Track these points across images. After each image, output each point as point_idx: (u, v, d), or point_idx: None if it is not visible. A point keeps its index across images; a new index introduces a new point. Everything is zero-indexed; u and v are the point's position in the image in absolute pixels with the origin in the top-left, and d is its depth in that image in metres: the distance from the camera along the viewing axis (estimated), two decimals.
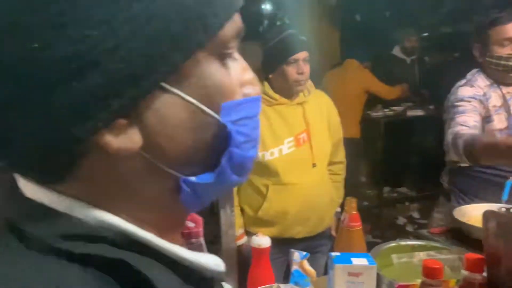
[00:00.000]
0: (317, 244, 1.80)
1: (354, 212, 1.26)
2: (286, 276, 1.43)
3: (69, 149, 0.35)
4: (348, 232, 1.23)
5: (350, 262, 1.06)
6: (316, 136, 1.75)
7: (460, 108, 1.74)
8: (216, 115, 0.39)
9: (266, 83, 1.74)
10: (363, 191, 5.03)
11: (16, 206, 0.37)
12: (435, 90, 4.89)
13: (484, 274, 0.86)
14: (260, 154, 1.65)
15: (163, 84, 0.36)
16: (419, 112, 4.82)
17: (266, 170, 1.68)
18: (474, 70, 1.88)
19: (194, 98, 0.38)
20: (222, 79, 0.40)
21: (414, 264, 1.07)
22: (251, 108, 0.43)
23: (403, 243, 1.27)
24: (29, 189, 0.37)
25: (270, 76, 1.74)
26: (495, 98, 1.80)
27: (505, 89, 1.81)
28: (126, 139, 0.36)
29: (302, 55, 1.68)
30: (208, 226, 1.13)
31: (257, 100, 0.44)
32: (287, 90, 1.73)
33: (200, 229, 1.01)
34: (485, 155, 1.45)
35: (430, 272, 0.83)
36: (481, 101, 1.77)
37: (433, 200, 5.02)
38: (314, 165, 1.74)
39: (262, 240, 1.27)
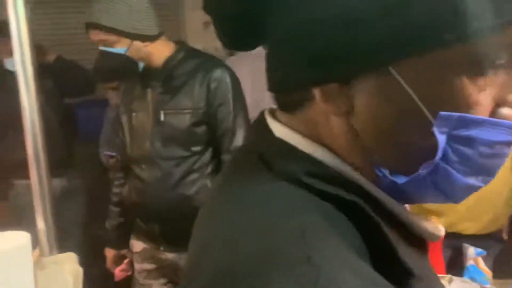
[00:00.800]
0: (485, 245, 1.68)
1: None
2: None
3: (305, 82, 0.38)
4: None
5: None
6: None
7: None
8: (432, 119, 0.35)
9: None
10: None
11: (267, 143, 0.42)
12: None
13: None
14: None
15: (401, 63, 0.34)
16: None
17: None
18: None
19: (421, 100, 0.35)
20: (470, 95, 0.35)
21: None
22: (496, 133, 0.35)
23: None
24: (277, 129, 0.41)
25: None
26: None
27: None
28: (335, 103, 0.38)
29: None
30: None
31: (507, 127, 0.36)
32: None
33: None
34: None
35: None
36: None
37: None
38: None
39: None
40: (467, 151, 0.35)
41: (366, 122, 0.37)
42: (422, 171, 0.36)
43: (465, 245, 1.33)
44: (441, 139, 0.34)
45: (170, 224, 1.41)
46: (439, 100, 0.35)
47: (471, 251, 1.31)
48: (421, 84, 0.35)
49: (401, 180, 0.37)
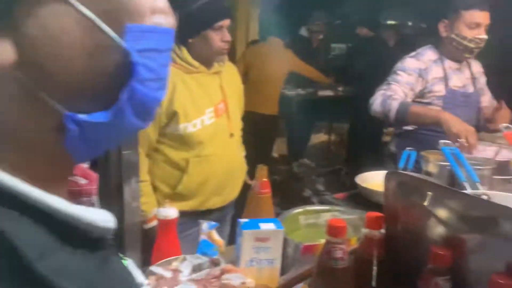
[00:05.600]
0: (226, 213, 1.79)
1: (265, 180, 1.25)
2: None
3: None
4: (257, 199, 1.22)
5: (258, 227, 1.05)
6: (231, 106, 1.71)
7: (398, 77, 2.07)
8: (118, 38, 0.33)
9: (184, 49, 1.59)
10: (275, 166, 5.18)
11: None
12: (342, 74, 5.19)
13: (383, 231, 0.90)
14: (181, 126, 1.54)
15: None
16: (328, 93, 5.09)
17: (187, 143, 1.58)
18: (426, 46, 2.20)
19: (92, 11, 0.31)
20: None
21: (320, 225, 1.09)
22: (162, 40, 0.36)
23: (309, 208, 1.30)
24: None
25: (190, 40, 1.59)
26: (436, 71, 2.11)
27: (448, 64, 2.14)
28: None
29: (226, 22, 1.59)
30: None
31: (169, 33, 0.37)
32: (208, 58, 1.62)
33: (94, 187, 0.91)
34: (413, 119, 1.89)
35: (334, 230, 0.84)
36: (420, 75, 2.09)
37: (337, 174, 5.34)
38: (231, 135, 1.70)
39: (169, 211, 1.20)
40: (153, 64, 0.35)
41: (43, 57, 0.30)
42: (123, 96, 0.33)
43: (200, 221, 1.35)
44: (135, 56, 0.33)
45: None
46: (115, 12, 0.33)
47: (205, 226, 1.33)
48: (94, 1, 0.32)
49: (104, 118, 0.33)
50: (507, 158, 1.61)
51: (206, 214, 1.65)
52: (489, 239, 0.71)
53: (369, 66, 4.62)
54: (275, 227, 1.03)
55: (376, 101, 2.02)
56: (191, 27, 1.56)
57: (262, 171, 1.25)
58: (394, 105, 1.93)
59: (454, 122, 1.72)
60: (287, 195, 4.33)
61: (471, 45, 2.03)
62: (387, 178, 0.90)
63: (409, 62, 2.10)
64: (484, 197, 1.05)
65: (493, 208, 0.72)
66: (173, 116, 1.54)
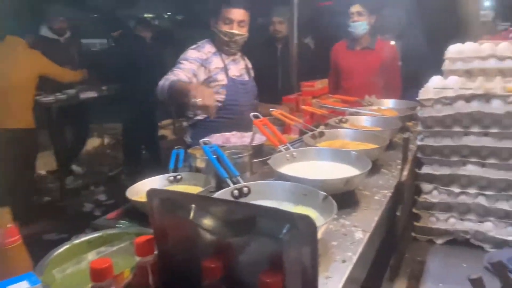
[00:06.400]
0: None
1: (10, 225, 1.01)
2: None
3: None
4: (4, 252, 0.98)
5: None
6: None
7: (181, 65, 2.27)
8: None
9: None
10: (44, 186, 4.56)
11: None
12: (103, 71, 4.89)
13: (156, 253, 0.84)
14: None
15: None
16: (92, 94, 4.72)
17: None
18: (205, 40, 2.46)
19: None
20: None
21: (84, 268, 0.94)
22: None
23: (77, 241, 1.12)
24: None
25: None
26: (217, 62, 2.38)
27: (224, 56, 2.44)
28: None
29: None
30: None
31: None
32: None
33: None
34: (179, 94, 2.00)
35: (98, 274, 0.73)
36: (202, 65, 2.33)
37: (118, 178, 5.09)
38: None
39: None
40: None
41: None
42: None
43: None
44: None
45: None
46: None
47: None
48: None
49: None
50: (260, 142, 1.79)
51: None
52: (252, 240, 0.73)
53: (129, 62, 4.50)
54: (29, 285, 0.84)
55: (159, 85, 2.16)
56: None
57: (4, 215, 1.00)
58: (167, 83, 2.11)
59: (196, 87, 1.98)
60: (63, 217, 3.87)
61: (226, 38, 2.34)
62: (149, 196, 0.83)
63: (191, 53, 2.35)
64: (245, 189, 1.11)
65: (249, 209, 0.74)
66: None
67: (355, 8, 3.09)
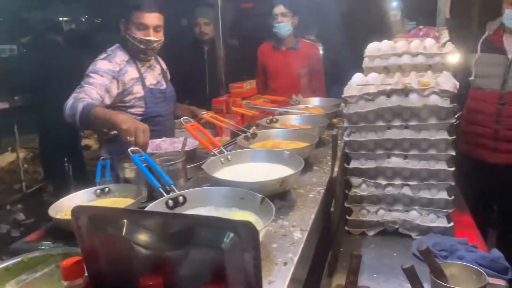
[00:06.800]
0: None
1: None
2: None
3: None
4: None
5: None
6: None
7: (91, 80, 1.98)
8: None
9: None
10: None
11: None
12: (12, 79, 4.50)
13: (86, 275, 0.77)
14: None
15: None
16: (3, 105, 4.35)
17: None
18: (114, 46, 2.15)
19: None
20: None
21: None
22: None
23: None
24: None
25: None
26: (132, 72, 2.12)
27: (140, 64, 2.18)
28: None
29: None
30: None
31: None
32: None
33: None
34: (96, 122, 1.78)
35: None
36: (115, 77, 2.03)
37: (39, 194, 4.72)
38: None
39: None
40: None
41: None
42: None
43: None
44: None
45: None
46: None
47: None
48: None
49: None
50: (193, 146, 1.75)
51: None
52: (191, 251, 0.70)
53: (43, 69, 4.18)
54: None
55: (67, 105, 1.88)
56: None
57: None
58: (80, 107, 1.82)
59: (126, 122, 1.65)
60: None
61: (142, 46, 2.10)
62: (74, 214, 0.76)
63: (101, 64, 2.05)
64: (181, 198, 1.07)
65: (187, 220, 0.70)
66: None
67: (279, 9, 3.15)
